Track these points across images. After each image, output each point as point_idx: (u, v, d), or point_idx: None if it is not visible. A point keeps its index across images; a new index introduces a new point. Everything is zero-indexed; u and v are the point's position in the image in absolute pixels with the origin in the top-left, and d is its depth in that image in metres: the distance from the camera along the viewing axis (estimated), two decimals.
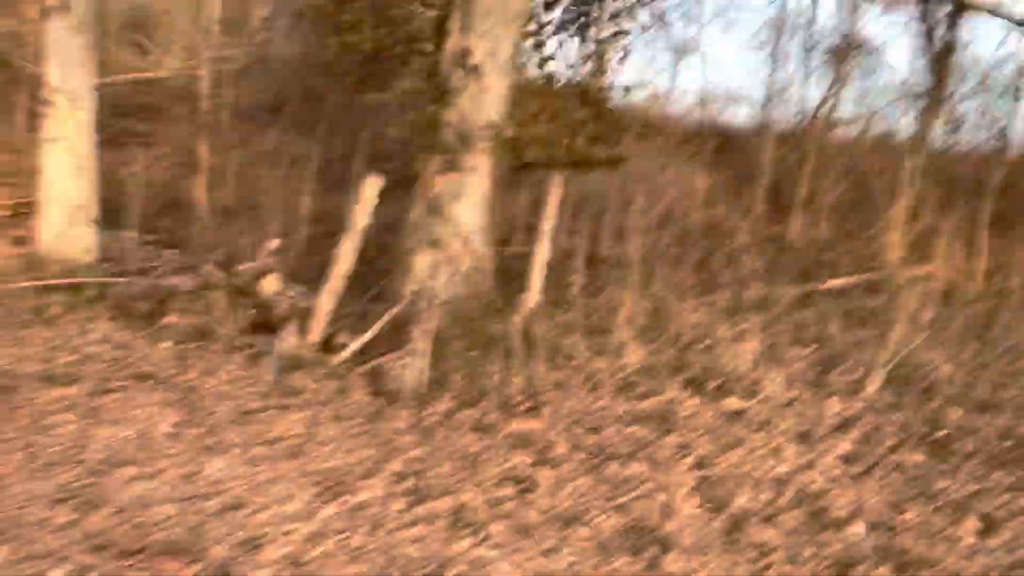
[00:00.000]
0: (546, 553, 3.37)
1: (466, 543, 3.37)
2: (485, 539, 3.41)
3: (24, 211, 6.71)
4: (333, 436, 4.27)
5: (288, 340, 5.78)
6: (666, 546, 3.49)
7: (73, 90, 6.40)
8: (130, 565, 2.92)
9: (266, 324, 6.13)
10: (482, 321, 6.63)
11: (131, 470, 3.58)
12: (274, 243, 6.84)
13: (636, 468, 4.29)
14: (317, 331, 5.83)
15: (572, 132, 8.18)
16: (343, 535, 3.29)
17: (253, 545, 3.14)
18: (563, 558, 3.35)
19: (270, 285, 6.42)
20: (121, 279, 5.97)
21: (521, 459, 4.27)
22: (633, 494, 3.98)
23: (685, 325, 6.60)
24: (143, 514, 3.25)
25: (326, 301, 5.81)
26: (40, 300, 5.74)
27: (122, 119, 9.92)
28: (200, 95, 10.01)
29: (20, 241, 6.43)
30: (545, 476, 4.07)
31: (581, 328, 6.52)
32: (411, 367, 5.42)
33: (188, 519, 3.25)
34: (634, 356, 6.04)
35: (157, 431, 3.99)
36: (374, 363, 5.77)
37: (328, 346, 6.11)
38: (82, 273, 5.98)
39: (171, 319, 5.75)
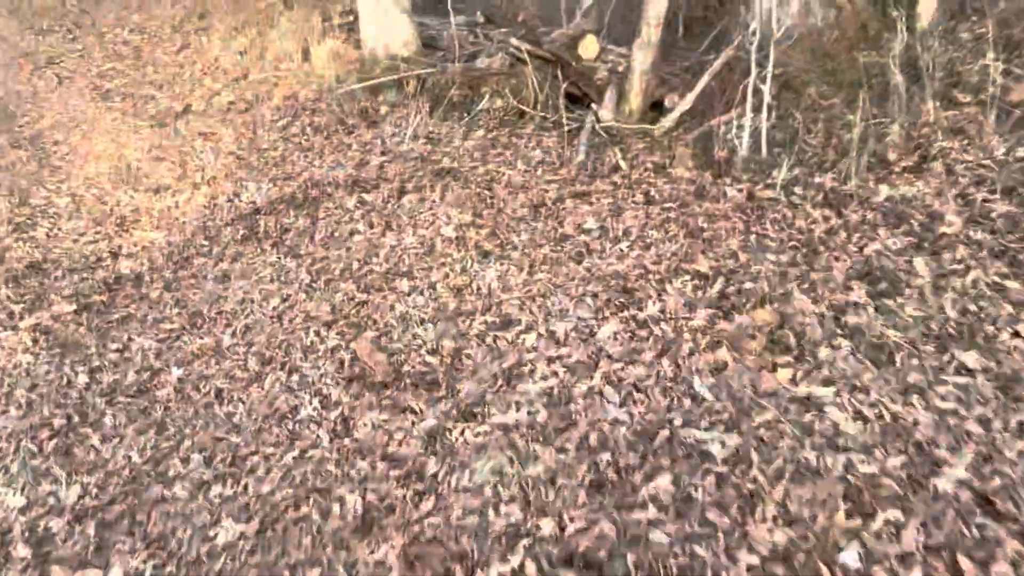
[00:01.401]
0: (906, 393, 2.24)
1: (787, 373, 2.37)
2: (818, 372, 2.37)
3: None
4: (633, 228, 3.40)
5: (603, 111, 4.90)
6: None
7: None
8: (375, 400, 2.53)
9: (586, 95, 5.30)
10: (849, 56, 4.96)
11: (404, 284, 3.18)
12: (588, 0, 5.82)
13: None
14: (635, 96, 4.83)
15: None
16: (620, 365, 2.52)
17: (509, 377, 2.55)
18: (934, 404, 2.20)
19: (587, 50, 5.49)
20: (432, 69, 5.52)
21: (888, 242, 2.99)
22: None
23: None
24: (403, 338, 2.83)
25: (640, 58, 4.71)
26: (369, 101, 5.58)
27: None
28: None
29: (354, 44, 6.32)
30: (919, 272, 2.77)
31: (997, 43, 4.55)
32: (746, 128, 4.20)
33: (446, 344, 2.75)
34: None
35: (441, 235, 3.53)
36: (703, 127, 4.65)
37: (650, 113, 5.10)
38: (402, 67, 5.67)
39: (484, 104, 5.20)
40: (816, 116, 4.54)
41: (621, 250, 3.21)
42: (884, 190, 3.61)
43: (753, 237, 3.19)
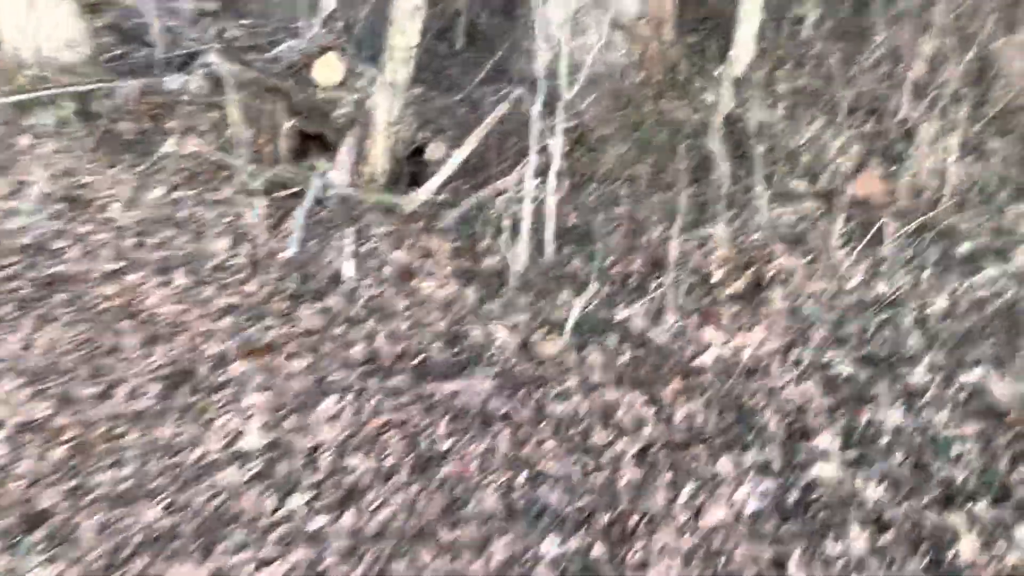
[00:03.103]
0: None
1: None
2: None
3: None
4: (327, 445, 1.86)
5: (336, 172, 3.29)
6: None
7: None
8: None
9: (322, 140, 3.65)
10: (656, 106, 3.69)
11: None
12: (330, 4, 4.10)
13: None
14: (378, 155, 3.25)
15: None
16: None
17: None
18: None
19: (327, 72, 3.79)
20: (98, 84, 3.62)
21: (735, 499, 1.69)
22: None
23: None
24: None
25: (384, 105, 3.13)
26: (13, 127, 3.59)
27: None
28: None
29: None
30: None
31: (820, 101, 3.49)
32: (525, 215, 2.76)
33: None
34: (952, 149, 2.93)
35: None
36: (470, 202, 3.17)
37: (409, 165, 3.56)
38: (54, 80, 3.71)
39: (169, 147, 3.40)
40: (618, 193, 3.23)
41: (274, 518, 1.66)
42: (711, 343, 2.35)
43: (523, 480, 1.77)
